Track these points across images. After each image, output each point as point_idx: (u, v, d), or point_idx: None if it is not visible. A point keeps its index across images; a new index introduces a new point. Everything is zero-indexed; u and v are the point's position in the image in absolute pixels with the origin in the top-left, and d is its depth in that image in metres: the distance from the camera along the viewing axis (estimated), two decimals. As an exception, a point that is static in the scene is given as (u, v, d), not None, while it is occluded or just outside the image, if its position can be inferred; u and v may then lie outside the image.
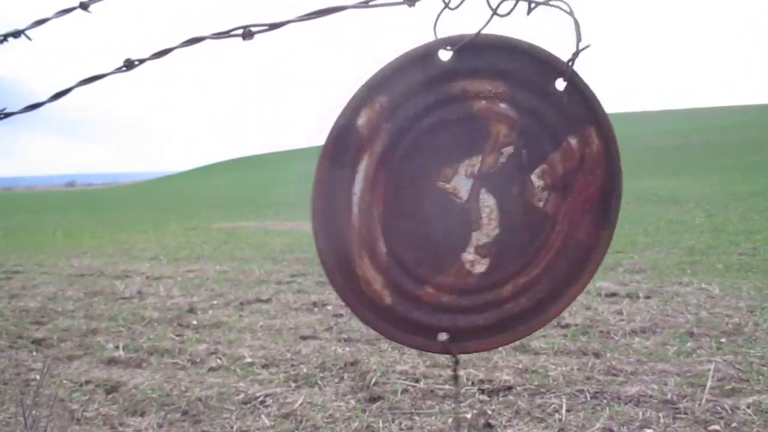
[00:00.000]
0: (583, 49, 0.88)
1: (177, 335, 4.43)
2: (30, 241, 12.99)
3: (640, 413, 2.68)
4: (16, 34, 1.00)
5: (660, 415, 2.66)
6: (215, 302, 5.50)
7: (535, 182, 0.94)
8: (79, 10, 0.91)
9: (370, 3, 0.82)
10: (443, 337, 0.96)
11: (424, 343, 0.97)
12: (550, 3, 0.84)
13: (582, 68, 0.89)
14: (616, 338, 3.78)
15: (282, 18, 0.81)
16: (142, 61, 0.86)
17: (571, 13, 0.84)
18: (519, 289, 0.99)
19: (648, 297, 4.79)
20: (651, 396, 2.85)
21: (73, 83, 0.92)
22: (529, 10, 0.85)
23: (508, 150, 0.92)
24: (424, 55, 0.86)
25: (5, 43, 1.01)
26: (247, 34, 0.81)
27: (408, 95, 0.87)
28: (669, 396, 2.83)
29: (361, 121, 0.86)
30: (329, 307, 5.05)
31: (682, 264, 6.15)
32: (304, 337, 4.19)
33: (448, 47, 0.86)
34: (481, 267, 0.95)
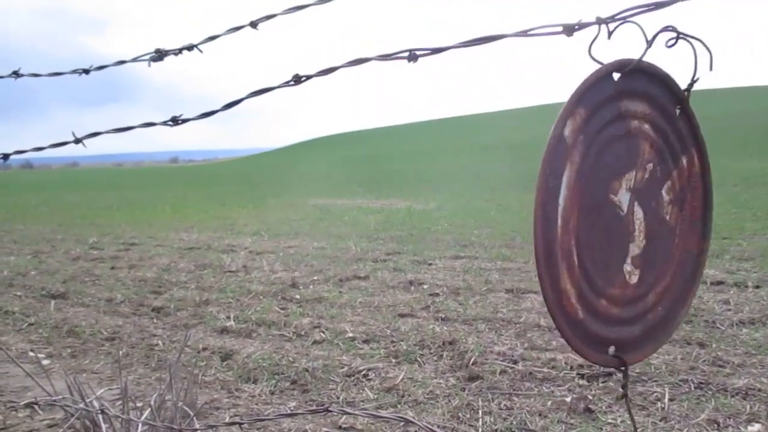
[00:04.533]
0: (697, 80, 0.97)
1: (281, 308, 4.68)
2: (142, 214, 13.90)
3: (748, 407, 2.62)
4: (190, 47, 1.13)
5: (769, 409, 2.59)
6: (315, 278, 5.74)
7: (664, 197, 1.02)
8: (248, 28, 1.03)
9: (529, 32, 0.89)
10: (612, 350, 1.00)
11: (601, 358, 1.00)
12: (689, 38, 0.89)
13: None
14: (723, 328, 3.67)
15: (441, 43, 0.89)
16: (309, 77, 0.96)
17: (708, 48, 0.92)
18: (658, 298, 1.05)
19: (757, 287, 4.60)
20: (759, 390, 2.77)
21: (243, 95, 1.05)
22: (668, 45, 0.90)
23: (650, 167, 1.00)
24: (606, 75, 0.92)
25: (180, 55, 1.16)
26: (412, 57, 0.89)
27: (596, 109, 0.93)
28: (780, 390, 2.75)
29: (567, 131, 0.90)
30: (425, 286, 5.16)
31: (797, 253, 5.82)
32: (402, 315, 4.32)
33: (619, 69, 0.92)
34: (634, 278, 1.00)
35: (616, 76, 0.93)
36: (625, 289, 0.99)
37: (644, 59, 0.93)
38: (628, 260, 0.99)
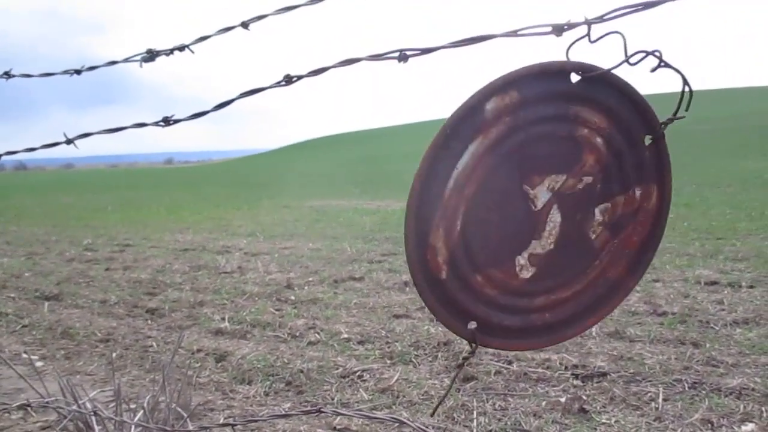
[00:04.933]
0: (678, 118, 0.96)
1: (276, 310, 4.68)
2: (136, 215, 13.87)
3: (741, 406, 2.63)
4: (182, 48, 1.13)
5: (763, 409, 2.60)
6: (311, 279, 5.74)
7: (596, 215, 1.01)
8: (239, 28, 1.03)
9: (519, 32, 0.89)
10: (472, 325, 1.01)
11: (455, 325, 1.02)
12: (673, 67, 0.89)
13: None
14: (716, 328, 3.68)
15: (435, 43, 0.89)
16: (300, 77, 0.96)
17: (688, 84, 0.91)
18: (549, 303, 1.05)
19: (751, 287, 4.61)
20: (753, 389, 2.78)
21: (235, 95, 1.05)
22: (653, 69, 0.90)
23: (588, 179, 0.99)
24: (561, 72, 0.92)
25: (171, 55, 1.16)
26: (402, 57, 0.89)
27: (536, 100, 0.93)
28: (773, 390, 2.75)
29: (489, 106, 0.92)
30: (420, 287, 5.15)
31: (791, 253, 5.84)
32: (397, 316, 4.32)
33: (580, 72, 0.92)
34: (527, 273, 1.00)
35: (574, 77, 0.93)
36: (512, 278, 1.00)
37: (632, 83, 0.93)
38: (525, 254, 0.99)
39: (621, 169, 1.00)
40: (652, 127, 0.99)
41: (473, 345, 1.02)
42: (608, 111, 0.96)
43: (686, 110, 0.94)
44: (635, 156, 1.00)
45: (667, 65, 0.90)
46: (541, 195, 0.97)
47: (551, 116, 0.94)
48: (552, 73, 0.92)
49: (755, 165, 19.44)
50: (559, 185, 0.97)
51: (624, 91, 0.96)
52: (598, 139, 0.97)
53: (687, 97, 0.93)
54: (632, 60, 0.89)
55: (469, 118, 0.92)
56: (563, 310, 1.06)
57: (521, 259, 1.00)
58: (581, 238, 1.02)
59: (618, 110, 0.96)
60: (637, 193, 1.02)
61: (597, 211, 1.01)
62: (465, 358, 1.05)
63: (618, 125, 0.97)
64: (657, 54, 0.89)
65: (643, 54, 0.89)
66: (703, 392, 2.80)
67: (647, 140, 1.00)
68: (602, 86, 0.95)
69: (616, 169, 1.00)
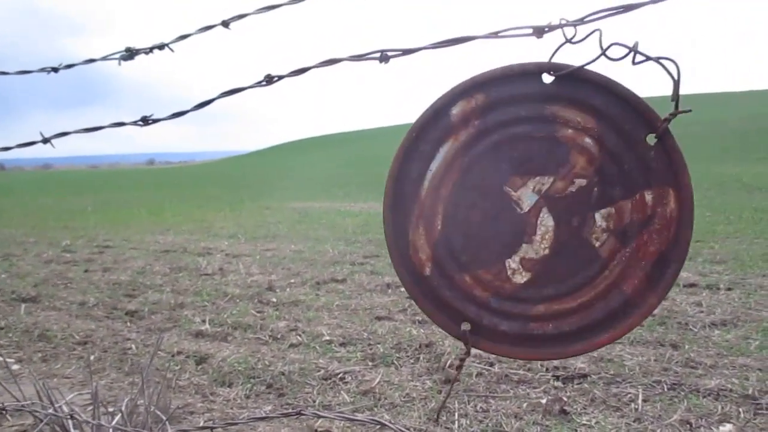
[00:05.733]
0: (682, 112, 0.90)
1: (258, 312, 4.65)
2: (117, 217, 13.72)
3: (720, 407, 2.66)
4: (161, 46, 1.12)
5: (740, 410, 2.63)
6: (293, 281, 5.71)
7: (597, 221, 0.96)
8: (220, 27, 1.02)
9: (500, 33, 0.89)
10: (466, 326, 1.01)
11: (447, 324, 1.02)
12: (659, 60, 0.87)
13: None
14: (695, 330, 3.72)
15: (416, 44, 0.89)
16: (281, 77, 0.95)
17: (671, 75, 0.87)
18: (550, 314, 1.00)
19: (729, 289, 4.67)
20: (731, 390, 2.82)
21: (215, 94, 1.04)
22: (634, 62, 0.88)
23: (581, 182, 0.95)
24: (530, 73, 0.92)
25: (151, 54, 1.14)
26: (383, 58, 0.89)
27: (505, 102, 0.93)
28: (750, 391, 2.79)
29: (455, 110, 0.93)
30: (402, 289, 5.16)
31: (767, 255, 5.92)
32: (379, 318, 4.31)
33: (552, 72, 0.92)
34: (521, 278, 0.99)
35: (548, 78, 0.93)
36: (503, 282, 0.99)
37: (618, 79, 0.92)
38: (515, 258, 0.98)
39: (621, 171, 0.95)
40: (653, 125, 0.93)
41: (467, 346, 1.02)
42: (593, 110, 0.93)
43: (671, 100, 0.90)
44: (637, 157, 0.94)
45: (647, 58, 0.88)
46: (526, 197, 0.96)
47: (524, 117, 0.93)
48: (517, 75, 0.92)
49: (733, 169, 19.71)
50: (547, 187, 0.95)
51: (610, 89, 0.93)
52: (587, 140, 0.94)
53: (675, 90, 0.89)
54: (612, 55, 0.89)
55: (434, 122, 0.93)
56: (569, 322, 1.00)
57: (512, 263, 0.99)
58: (582, 245, 0.97)
59: (605, 109, 0.93)
60: (648, 197, 0.95)
61: (598, 216, 0.96)
62: (461, 360, 1.05)
63: (608, 124, 0.93)
64: (632, 46, 0.88)
65: (622, 48, 0.88)
66: (682, 393, 2.83)
67: (651, 139, 0.94)
68: (581, 85, 0.93)
69: (614, 171, 0.95)
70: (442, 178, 0.95)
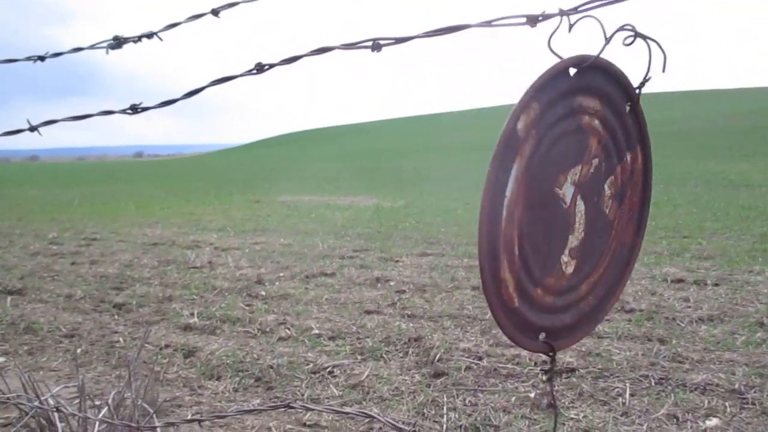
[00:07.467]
0: (649, 80, 0.98)
1: (247, 305, 4.63)
2: (105, 209, 13.62)
3: (706, 401, 2.68)
4: (150, 35, 1.10)
5: (726, 404, 2.65)
6: (282, 274, 5.69)
7: (606, 191, 1.04)
8: (209, 16, 1.01)
9: (493, 22, 0.88)
10: (542, 336, 1.01)
11: (532, 344, 1.01)
12: (648, 38, 0.90)
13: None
14: (682, 325, 3.75)
15: (408, 33, 0.87)
16: (272, 66, 0.94)
17: (662, 49, 0.93)
18: (590, 288, 1.07)
19: (716, 284, 4.70)
20: (717, 385, 2.84)
21: (205, 83, 1.02)
22: (621, 36, 0.91)
23: (596, 162, 1.01)
24: (563, 71, 0.92)
25: (139, 42, 1.12)
26: (376, 46, 0.88)
27: (550, 104, 0.93)
28: (736, 386, 2.81)
29: (520, 125, 0.90)
30: (391, 283, 5.16)
31: (753, 251, 5.97)
32: (368, 312, 4.31)
33: (577, 65, 0.92)
34: (570, 268, 1.02)
35: (572, 71, 0.93)
36: (561, 279, 1.01)
37: (602, 56, 0.93)
38: (566, 251, 1.00)
39: (615, 142, 1.03)
40: (630, 95, 1.02)
41: (551, 354, 1.03)
42: (599, 93, 0.98)
43: (663, 71, 0.97)
44: (622, 126, 1.03)
45: (640, 36, 0.91)
46: (568, 191, 0.98)
47: (562, 115, 0.94)
48: (559, 74, 0.92)
49: (720, 166, 19.86)
50: (578, 176, 0.99)
51: (607, 70, 0.98)
52: (596, 122, 0.99)
53: (663, 60, 0.96)
54: (608, 37, 0.90)
55: (506, 143, 0.90)
56: (602, 287, 1.10)
57: (564, 258, 1.01)
58: (600, 216, 1.04)
59: (605, 89, 0.99)
60: (629, 158, 1.06)
61: (605, 187, 1.04)
62: (547, 371, 1.05)
63: (608, 103, 1.00)
64: (629, 27, 0.91)
65: (618, 29, 0.90)
66: (669, 388, 2.85)
67: (627, 108, 1.03)
68: (591, 72, 0.96)
69: (612, 144, 1.03)
70: (516, 201, 0.91)
